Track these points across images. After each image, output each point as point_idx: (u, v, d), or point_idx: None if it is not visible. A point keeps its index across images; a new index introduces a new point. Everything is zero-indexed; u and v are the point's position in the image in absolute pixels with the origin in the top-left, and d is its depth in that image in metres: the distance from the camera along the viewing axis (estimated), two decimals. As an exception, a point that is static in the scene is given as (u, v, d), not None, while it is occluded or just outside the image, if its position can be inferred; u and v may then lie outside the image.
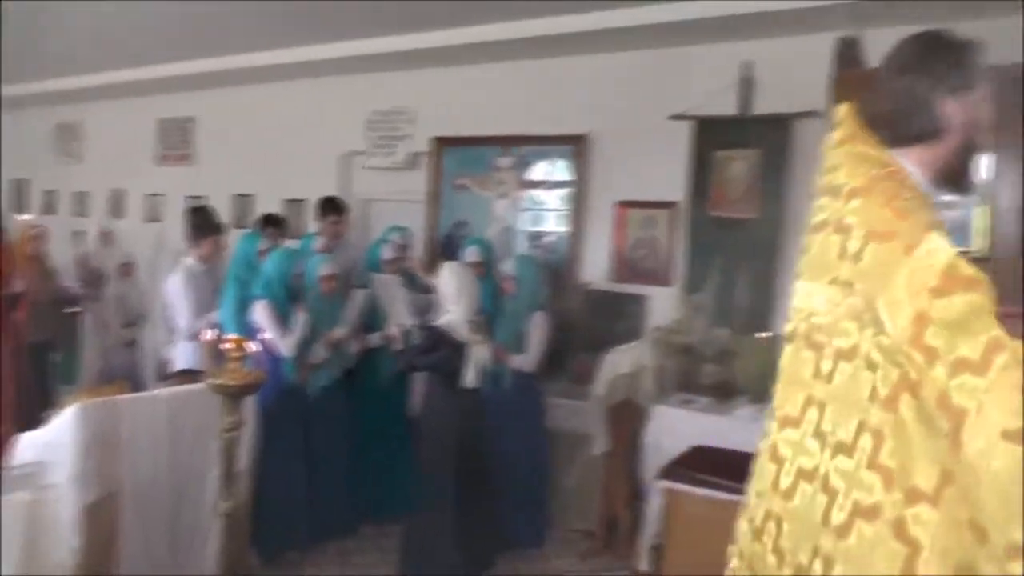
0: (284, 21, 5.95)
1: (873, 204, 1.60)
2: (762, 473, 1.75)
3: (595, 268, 5.96)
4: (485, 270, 5.05)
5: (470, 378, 4.27)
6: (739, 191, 5.28)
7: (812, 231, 1.75)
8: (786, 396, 1.70)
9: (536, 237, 6.26)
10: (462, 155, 6.58)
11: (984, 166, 3.60)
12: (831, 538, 1.51)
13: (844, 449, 1.51)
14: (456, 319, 4.29)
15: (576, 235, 6.06)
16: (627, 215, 5.81)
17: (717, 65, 5.37)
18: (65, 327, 6.69)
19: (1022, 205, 3.59)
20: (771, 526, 1.67)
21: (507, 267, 4.99)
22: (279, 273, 4.71)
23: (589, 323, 5.80)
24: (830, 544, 1.51)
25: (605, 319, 5.75)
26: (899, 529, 1.44)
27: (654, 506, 4.34)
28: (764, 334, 5.03)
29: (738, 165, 5.29)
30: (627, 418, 4.87)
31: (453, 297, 4.33)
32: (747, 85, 5.27)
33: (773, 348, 5.00)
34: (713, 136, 5.38)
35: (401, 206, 6.84)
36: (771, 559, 1.67)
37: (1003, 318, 1.44)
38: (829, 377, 1.59)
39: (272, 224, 6.07)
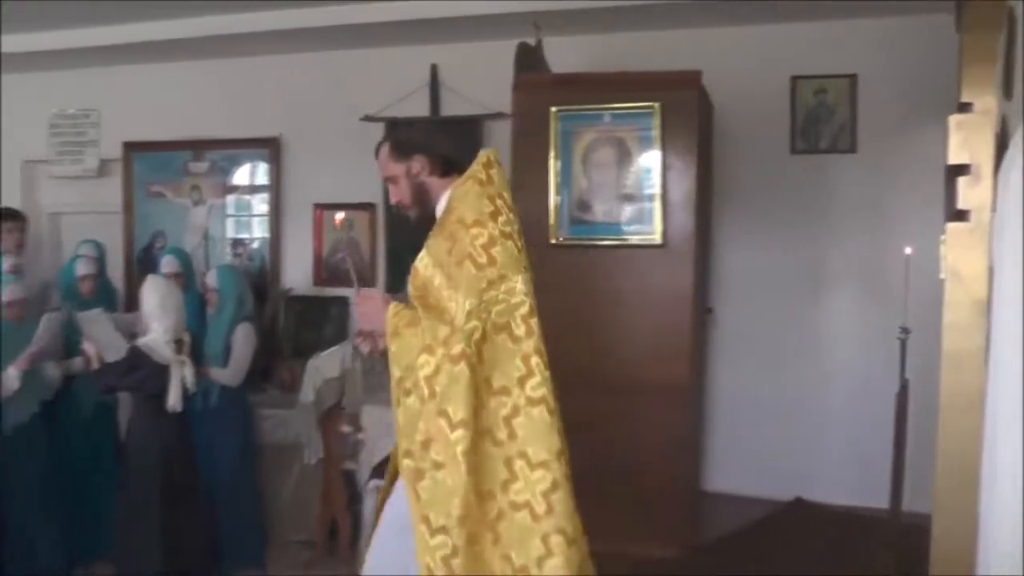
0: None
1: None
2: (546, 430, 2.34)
3: (297, 273, 5.87)
4: (185, 282, 4.81)
5: (173, 400, 4.03)
6: (434, 191, 5.41)
7: (513, 236, 2.38)
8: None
9: (238, 244, 6.07)
10: (154, 161, 6.21)
11: (658, 166, 3.96)
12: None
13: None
14: (157, 338, 4.03)
15: (276, 240, 5.94)
16: (325, 218, 5.77)
17: (407, 67, 5.47)
18: None
19: (691, 200, 3.98)
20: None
21: (209, 279, 4.78)
22: (-59, 298, 4.19)
23: (295, 330, 5.71)
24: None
25: (310, 325, 5.69)
26: None
27: (369, 506, 4.35)
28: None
29: (432, 165, 5.41)
30: (338, 422, 4.85)
31: (155, 313, 4.05)
32: (436, 87, 5.41)
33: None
34: (406, 137, 5.45)
35: (94, 219, 6.33)
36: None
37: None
38: (529, 334, 2.33)
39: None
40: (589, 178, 4.04)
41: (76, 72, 6.31)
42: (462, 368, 2.25)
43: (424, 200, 2.56)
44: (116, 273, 5.89)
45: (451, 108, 5.41)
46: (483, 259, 2.31)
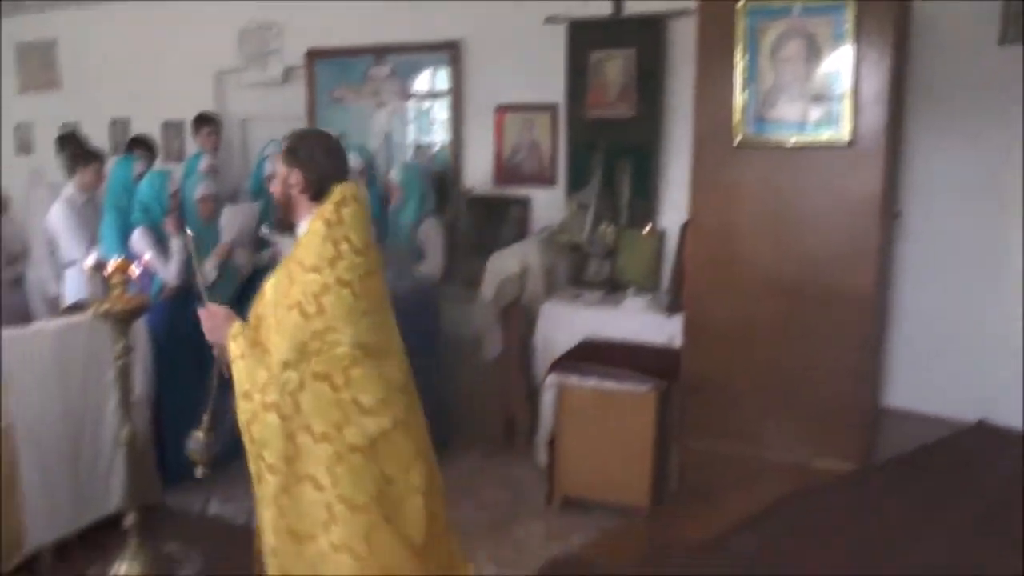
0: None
1: None
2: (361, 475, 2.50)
3: (478, 173, 5.97)
4: (368, 178, 5.02)
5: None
6: (616, 91, 5.35)
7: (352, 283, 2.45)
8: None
9: (419, 147, 6.23)
10: (336, 67, 6.44)
11: (850, 62, 3.78)
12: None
13: None
14: None
15: (457, 142, 6.05)
16: (506, 119, 5.83)
17: (589, -34, 5.37)
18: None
19: (884, 97, 3.78)
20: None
21: (392, 175, 4.99)
22: (154, 196, 4.59)
23: (475, 228, 5.86)
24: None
25: (491, 223, 5.82)
26: None
27: (547, 402, 4.49)
28: (647, 228, 5.18)
29: (614, 66, 5.35)
30: (517, 319, 4.98)
31: None
32: (619, -14, 5.31)
33: (656, 241, 5.21)
34: (588, 38, 5.40)
35: (280, 125, 6.62)
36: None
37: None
38: (347, 384, 2.48)
39: (141, 146, 5.88)
40: (776, 74, 3.91)
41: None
42: (273, 417, 2.44)
43: (288, 211, 2.65)
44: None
45: (635, 7, 5.28)
46: (312, 308, 2.41)
